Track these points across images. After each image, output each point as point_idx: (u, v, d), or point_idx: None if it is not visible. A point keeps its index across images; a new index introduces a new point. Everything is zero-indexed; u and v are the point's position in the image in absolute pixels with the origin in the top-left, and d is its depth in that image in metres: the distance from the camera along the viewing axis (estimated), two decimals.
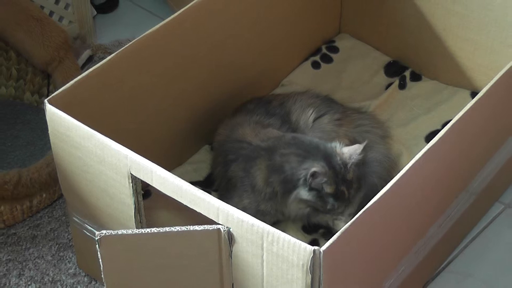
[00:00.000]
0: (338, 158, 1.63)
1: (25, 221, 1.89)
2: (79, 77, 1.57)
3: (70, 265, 1.81)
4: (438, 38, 2.04)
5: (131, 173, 1.43)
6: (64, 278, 1.79)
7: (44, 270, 1.80)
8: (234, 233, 1.33)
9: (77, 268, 1.80)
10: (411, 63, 2.17)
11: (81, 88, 1.58)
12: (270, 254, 1.30)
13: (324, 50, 2.22)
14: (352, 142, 1.86)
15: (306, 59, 2.20)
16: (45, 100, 1.51)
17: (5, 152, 2.00)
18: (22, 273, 1.80)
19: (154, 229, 1.35)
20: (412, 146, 1.95)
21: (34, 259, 1.83)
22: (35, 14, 1.94)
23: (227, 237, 1.33)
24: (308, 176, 1.60)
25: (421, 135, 1.98)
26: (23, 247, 1.85)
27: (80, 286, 1.77)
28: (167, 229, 1.34)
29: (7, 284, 1.78)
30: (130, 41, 1.67)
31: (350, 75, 2.16)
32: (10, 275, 1.80)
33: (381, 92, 2.11)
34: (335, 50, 2.22)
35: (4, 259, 1.83)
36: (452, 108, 2.02)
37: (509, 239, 1.85)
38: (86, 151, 1.49)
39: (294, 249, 1.27)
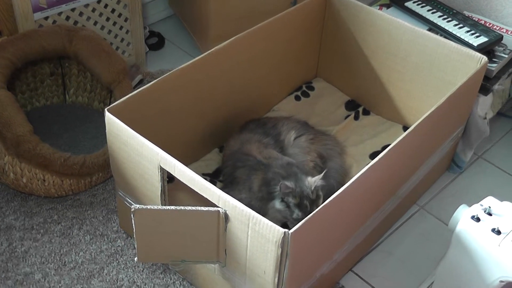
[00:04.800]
0: (307, 183, 1.57)
1: (86, 191, 1.83)
2: (130, 94, 1.52)
3: (114, 225, 1.75)
4: (383, 87, 1.98)
5: (160, 166, 1.37)
6: (109, 233, 1.72)
7: (96, 226, 1.74)
8: (229, 215, 1.28)
9: (119, 227, 1.74)
10: (364, 102, 2.09)
11: (131, 102, 1.52)
12: (253, 231, 1.25)
13: (304, 88, 2.15)
14: (319, 155, 1.80)
15: (291, 93, 2.13)
16: (106, 109, 1.46)
17: (77, 142, 1.93)
18: (81, 227, 1.74)
19: (172, 207, 1.30)
20: (360, 161, 1.88)
21: (90, 218, 1.76)
22: (105, 48, 1.88)
23: (224, 217, 1.28)
24: (280, 187, 1.55)
25: (367, 153, 1.91)
26: (84, 209, 1.79)
27: (120, 240, 1.71)
28: (182, 207, 1.29)
29: (71, 234, 1.72)
30: (170, 71, 1.62)
31: (321, 107, 2.09)
32: (73, 228, 1.74)
33: (341, 121, 2.04)
34: (312, 88, 2.16)
35: (70, 216, 1.77)
36: (389, 136, 1.95)
37: (420, 231, 1.79)
38: (130, 147, 1.43)
39: (271, 230, 1.22)
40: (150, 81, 2.13)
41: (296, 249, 1.23)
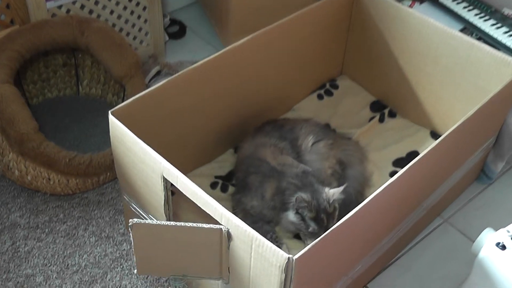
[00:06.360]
0: (324, 195, 1.48)
1: (94, 189, 1.77)
2: (136, 96, 1.45)
3: (121, 227, 1.69)
4: (411, 89, 1.87)
5: (163, 176, 1.30)
6: (115, 235, 1.67)
7: (103, 227, 1.69)
8: (232, 233, 1.20)
9: (125, 230, 1.68)
10: (390, 103, 1.99)
11: (138, 104, 1.45)
12: (256, 253, 1.17)
13: (327, 86, 2.05)
14: (338, 161, 1.71)
15: (314, 91, 2.03)
16: (109, 112, 1.39)
17: (87, 136, 1.87)
18: (87, 227, 1.69)
19: (172, 223, 1.23)
20: (382, 168, 1.78)
21: (97, 218, 1.71)
22: (117, 41, 1.81)
23: (226, 235, 1.21)
24: (295, 200, 1.47)
25: (390, 160, 1.81)
26: (91, 208, 1.73)
27: (126, 243, 1.65)
28: (183, 224, 1.22)
29: (76, 235, 1.67)
30: (190, 62, 1.53)
31: (344, 107, 2.00)
32: (79, 228, 1.68)
33: (365, 123, 1.94)
34: (336, 87, 2.06)
35: (76, 215, 1.71)
36: (415, 142, 1.85)
37: (442, 246, 1.69)
38: (133, 153, 1.36)
39: (274, 254, 1.14)
40: (168, 73, 2.06)
41: (301, 275, 1.15)
